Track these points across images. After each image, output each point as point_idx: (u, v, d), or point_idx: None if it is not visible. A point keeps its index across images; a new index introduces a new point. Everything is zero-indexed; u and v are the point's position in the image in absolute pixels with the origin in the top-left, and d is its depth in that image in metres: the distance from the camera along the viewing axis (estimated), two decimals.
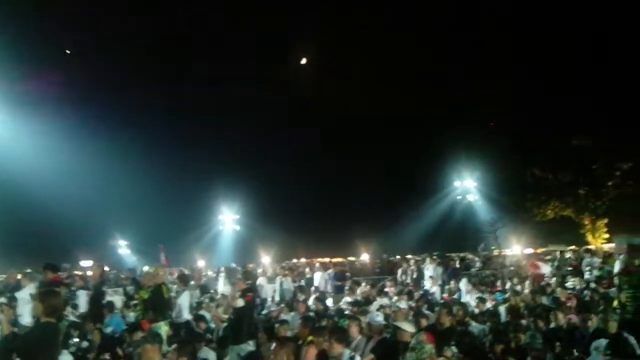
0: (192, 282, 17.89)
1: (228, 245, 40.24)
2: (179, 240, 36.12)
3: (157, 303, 9.59)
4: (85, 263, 39.28)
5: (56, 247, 36.60)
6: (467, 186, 38.31)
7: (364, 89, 38.66)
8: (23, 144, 28.06)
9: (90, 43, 34.88)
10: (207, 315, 11.03)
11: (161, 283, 9.77)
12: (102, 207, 35.75)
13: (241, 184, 37.23)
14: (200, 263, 35.81)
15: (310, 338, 7.36)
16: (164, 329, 8.99)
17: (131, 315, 11.24)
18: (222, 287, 15.88)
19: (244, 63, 39.20)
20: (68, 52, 34.08)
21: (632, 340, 6.87)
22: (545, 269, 16.34)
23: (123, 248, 41.54)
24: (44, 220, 32.94)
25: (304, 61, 38.83)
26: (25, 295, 9.16)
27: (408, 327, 7.59)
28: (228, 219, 41.09)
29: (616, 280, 9.52)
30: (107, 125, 35.72)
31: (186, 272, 18.93)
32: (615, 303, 9.07)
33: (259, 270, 19.27)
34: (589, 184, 31.05)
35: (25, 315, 8.92)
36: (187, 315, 10.79)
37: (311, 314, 11.01)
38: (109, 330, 10.81)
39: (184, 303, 10.90)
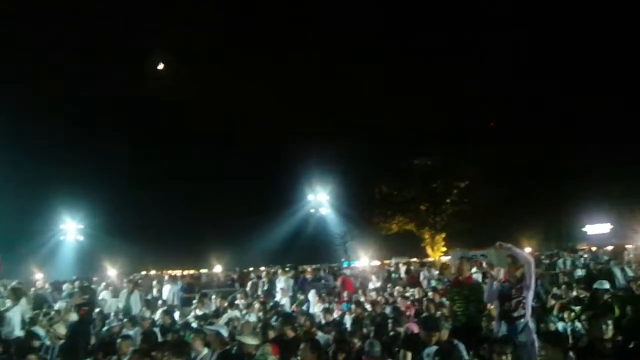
0: (25, 297, 16.56)
1: (70, 257, 37.56)
2: (14, 251, 33.20)
3: None
4: None
5: None
6: (319, 200, 39.32)
7: (215, 99, 38.57)
8: None
9: None
10: (41, 332, 10.21)
11: None
12: None
13: (86, 192, 35.20)
14: (38, 275, 33.14)
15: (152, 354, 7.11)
16: None
17: None
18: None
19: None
20: None
21: (462, 347, 7.44)
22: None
23: None
24: None
25: (160, 66, 37.86)
26: None
27: (250, 340, 7.64)
28: (71, 229, 38.36)
29: None
30: None
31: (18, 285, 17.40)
32: (446, 312, 9.77)
33: (102, 284, 18.24)
34: (429, 200, 33.40)
35: None
36: (18, 332, 9.89)
37: (155, 329, 10.65)
38: None
39: (15, 318, 10.01)
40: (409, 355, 7.09)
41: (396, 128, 35.40)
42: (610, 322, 5.70)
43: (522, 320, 6.98)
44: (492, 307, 7.96)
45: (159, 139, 41.71)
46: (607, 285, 10.17)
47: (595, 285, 10.26)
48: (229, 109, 38.73)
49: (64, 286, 19.58)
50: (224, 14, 39.13)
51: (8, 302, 10.59)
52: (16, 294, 10.59)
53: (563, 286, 13.29)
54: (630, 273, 11.16)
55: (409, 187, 33.45)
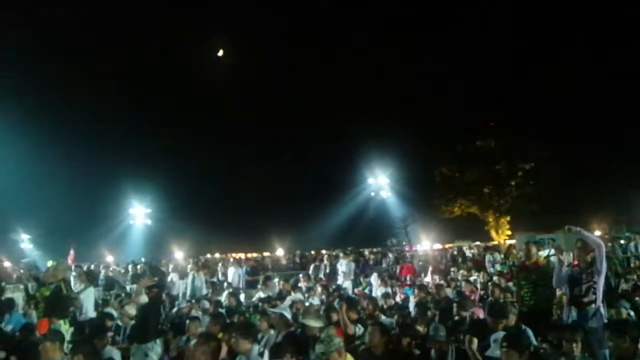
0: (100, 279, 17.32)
1: (139, 240, 38.96)
2: (86, 235, 34.68)
3: (58, 301, 9.19)
4: None
5: None
6: (380, 183, 39.13)
7: (272, 86, 38.84)
8: None
9: None
10: (114, 313, 10.66)
11: (61, 280, 9.37)
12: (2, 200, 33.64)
13: (153, 177, 36.28)
14: (109, 258, 34.57)
15: (219, 335, 7.29)
16: (63, 327, 8.61)
17: (33, 314, 10.64)
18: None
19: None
20: None
21: (529, 332, 7.28)
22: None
23: (25, 242, 39.31)
24: None
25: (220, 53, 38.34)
26: None
27: (314, 323, 7.70)
28: (139, 213, 39.76)
29: None
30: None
31: (92, 267, 18.23)
32: (511, 297, 9.56)
33: (171, 266, 18.81)
34: (492, 183, 32.65)
35: None
36: (92, 314, 10.37)
37: (223, 310, 10.91)
38: (8, 328, 10.27)
39: (88, 300, 10.48)
40: (475, 340, 6.97)
41: (459, 110, 34.64)
42: None
43: (593, 306, 6.74)
44: (561, 293, 7.70)
45: (223, 125, 42.38)
46: None
47: None
48: (289, 96, 38.97)
49: (129, 267, 20.43)
50: None
51: (82, 285, 11.06)
52: (89, 277, 11.05)
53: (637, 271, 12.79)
54: None
55: (471, 169, 32.82)
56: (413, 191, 36.17)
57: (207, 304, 11.69)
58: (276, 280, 16.08)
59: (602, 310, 6.86)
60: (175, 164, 39.46)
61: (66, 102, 36.75)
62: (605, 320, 6.70)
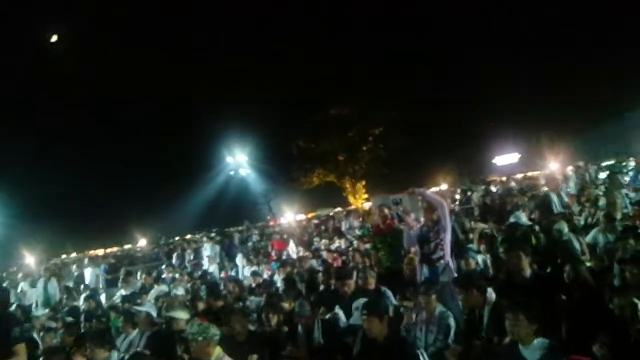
0: None
1: None
2: None
3: None
4: None
5: None
6: (239, 161, 38.85)
7: (121, 66, 36.85)
8: None
9: None
10: None
11: None
12: None
13: None
14: None
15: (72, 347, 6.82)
16: None
17: None
18: None
19: None
20: None
21: (389, 293, 7.62)
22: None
23: None
24: None
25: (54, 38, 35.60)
26: None
27: (180, 315, 7.47)
28: None
29: None
30: None
31: None
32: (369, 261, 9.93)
33: (20, 275, 17.35)
34: (347, 150, 33.76)
35: None
36: None
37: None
38: None
39: None
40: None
41: (309, 81, 34.99)
42: (525, 253, 5.91)
43: (442, 261, 7.16)
44: (414, 252, 8.10)
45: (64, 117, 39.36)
46: (524, 219, 10.57)
47: (511, 219, 10.65)
48: (132, 74, 36.97)
49: None
50: None
51: None
52: None
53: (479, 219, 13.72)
54: (565, 199, 11.55)
55: (326, 138, 33.61)
56: (272, 166, 36.39)
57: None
58: (139, 274, 15.43)
59: (451, 264, 7.31)
60: (16, 169, 36.13)
61: None
62: (455, 274, 7.14)
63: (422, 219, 8.14)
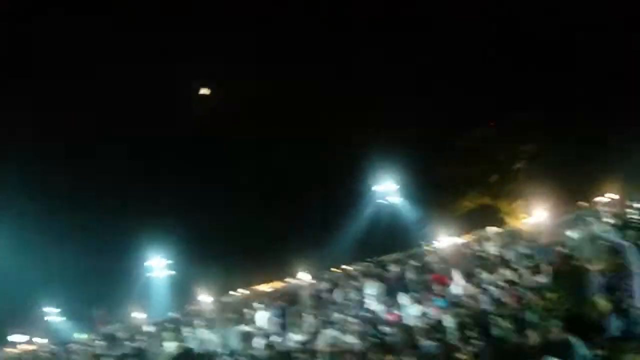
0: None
1: (162, 292, 38.99)
2: (110, 296, 34.78)
3: None
4: (17, 338, 37.39)
5: None
6: (386, 189, 38.89)
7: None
8: None
9: None
10: None
11: None
12: (23, 278, 33.61)
13: (164, 226, 35.97)
14: (138, 314, 34.64)
15: None
16: None
17: None
18: None
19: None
20: None
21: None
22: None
23: (54, 315, 39.51)
24: None
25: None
26: None
27: None
28: (157, 265, 39.83)
29: None
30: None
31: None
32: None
33: (195, 321, 18.25)
34: (497, 171, 32.58)
35: None
36: None
37: None
38: None
39: None
40: None
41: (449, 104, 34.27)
42: None
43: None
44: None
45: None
46: None
47: None
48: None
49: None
50: None
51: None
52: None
53: None
54: None
55: (474, 161, 32.77)
56: (421, 192, 35.94)
57: None
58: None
59: None
60: (181, 207, 39.11)
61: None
62: None
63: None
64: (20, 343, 36.88)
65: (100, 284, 35.32)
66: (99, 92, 36.57)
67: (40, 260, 32.92)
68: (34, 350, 30.16)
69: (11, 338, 37.68)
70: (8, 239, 32.17)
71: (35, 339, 36.39)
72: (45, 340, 34.56)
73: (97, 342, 20.47)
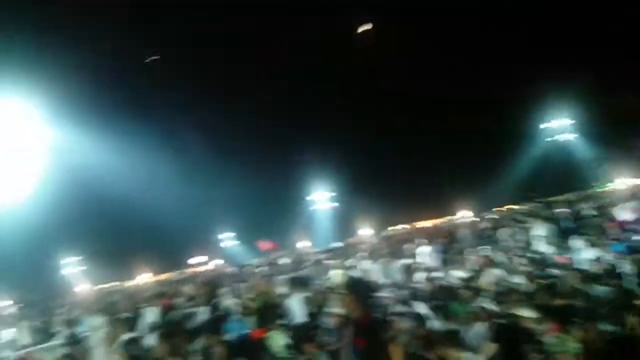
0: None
1: (325, 224, 40.65)
2: (279, 224, 36.87)
3: (268, 311, 9.79)
4: (196, 260, 41.60)
5: (167, 249, 38.80)
6: (560, 125, 36.37)
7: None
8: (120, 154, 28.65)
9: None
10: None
11: (268, 290, 9.93)
12: (199, 203, 36.55)
13: (332, 160, 36.68)
14: (304, 244, 36.69)
15: None
16: (278, 336, 9.03)
17: (248, 322, 11.17)
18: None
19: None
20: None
21: None
22: None
23: (229, 240, 43.15)
24: (150, 223, 33.95)
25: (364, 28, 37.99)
26: None
27: (526, 313, 7.18)
28: (321, 197, 41.50)
29: None
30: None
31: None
32: None
33: (358, 254, 18.68)
34: None
35: None
36: (301, 318, 10.75)
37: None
38: (228, 336, 10.89)
39: (296, 305, 10.95)
40: None
41: None
42: None
43: None
44: None
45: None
46: None
47: None
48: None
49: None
50: None
51: (288, 291, 11.50)
52: (294, 284, 11.54)
53: None
54: None
55: None
56: (601, 129, 32.94)
57: None
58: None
59: None
60: (348, 139, 39.38)
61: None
62: None
63: None
64: (198, 265, 40.99)
65: (270, 214, 37.49)
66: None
67: (219, 190, 35.44)
68: (211, 270, 33.17)
69: (191, 261, 42.06)
70: (192, 171, 35.07)
71: (212, 262, 40.16)
72: (221, 262, 37.93)
73: (262, 268, 21.86)
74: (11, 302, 27.05)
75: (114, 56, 31.51)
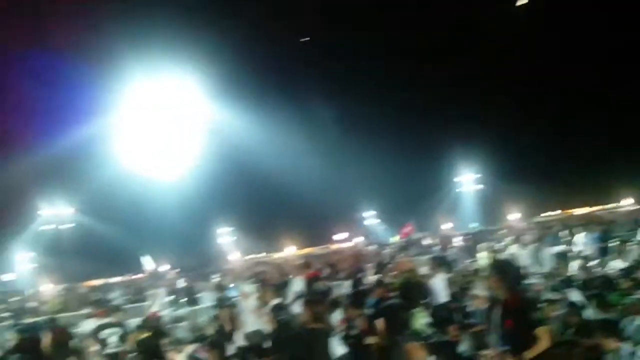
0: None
1: (471, 206, 39.52)
2: (422, 206, 36.46)
3: (410, 290, 9.73)
4: (339, 236, 42.58)
5: (312, 225, 40.05)
6: None
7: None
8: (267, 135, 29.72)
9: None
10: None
11: (411, 269, 9.86)
12: (344, 182, 37.07)
13: (476, 142, 35.46)
14: (447, 226, 35.93)
15: None
16: (420, 314, 8.94)
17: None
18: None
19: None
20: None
21: None
22: None
23: (371, 219, 43.55)
24: (297, 200, 35.10)
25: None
26: None
27: None
28: (467, 179, 40.36)
29: None
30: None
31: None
32: None
33: (507, 239, 17.85)
34: None
35: None
36: (444, 299, 10.56)
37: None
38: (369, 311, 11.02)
39: (438, 286, 10.77)
40: None
41: None
42: None
43: None
44: None
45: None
46: None
47: None
48: None
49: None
50: None
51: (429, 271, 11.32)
52: (436, 264, 11.33)
53: None
54: None
55: None
56: None
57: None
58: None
59: None
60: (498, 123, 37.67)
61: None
62: None
63: None
64: (341, 241, 41.82)
65: (414, 194, 37.05)
66: None
67: (364, 169, 35.64)
68: (353, 247, 33.60)
69: (334, 237, 43.02)
70: (339, 151, 35.70)
71: (354, 239, 40.79)
72: (361, 239, 38.25)
73: (404, 247, 21.76)
74: (169, 266, 29.48)
75: (270, 38, 32.50)
